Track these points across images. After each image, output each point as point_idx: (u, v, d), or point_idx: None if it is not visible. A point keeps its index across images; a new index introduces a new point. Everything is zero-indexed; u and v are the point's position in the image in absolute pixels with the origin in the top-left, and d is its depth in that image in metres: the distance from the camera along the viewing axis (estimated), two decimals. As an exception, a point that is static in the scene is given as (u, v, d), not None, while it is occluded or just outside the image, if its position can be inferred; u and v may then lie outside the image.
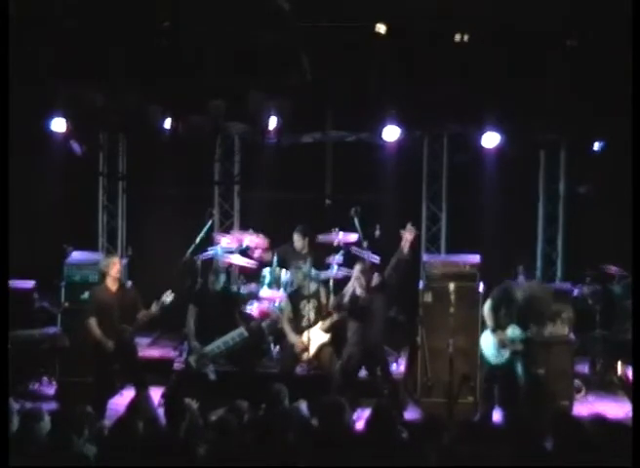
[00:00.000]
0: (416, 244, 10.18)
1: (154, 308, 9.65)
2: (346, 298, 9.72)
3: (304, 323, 10.23)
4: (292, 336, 10.24)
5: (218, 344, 9.86)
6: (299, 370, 10.30)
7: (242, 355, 10.01)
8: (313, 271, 10.79)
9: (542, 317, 9.29)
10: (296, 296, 10.48)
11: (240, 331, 9.90)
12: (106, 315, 9.56)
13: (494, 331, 9.29)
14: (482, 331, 9.69)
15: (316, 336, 10.14)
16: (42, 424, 6.36)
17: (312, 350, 10.12)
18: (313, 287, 10.40)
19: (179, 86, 10.84)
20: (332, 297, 10.29)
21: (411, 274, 11.36)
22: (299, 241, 11.50)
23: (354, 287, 9.70)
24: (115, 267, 9.68)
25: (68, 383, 10.56)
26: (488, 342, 9.36)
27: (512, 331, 9.23)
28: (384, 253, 11.18)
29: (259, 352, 10.82)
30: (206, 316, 10.00)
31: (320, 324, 10.16)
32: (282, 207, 12.55)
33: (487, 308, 9.45)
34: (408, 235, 9.60)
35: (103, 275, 9.73)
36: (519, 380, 9.27)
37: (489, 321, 9.38)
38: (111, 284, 9.68)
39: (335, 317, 9.99)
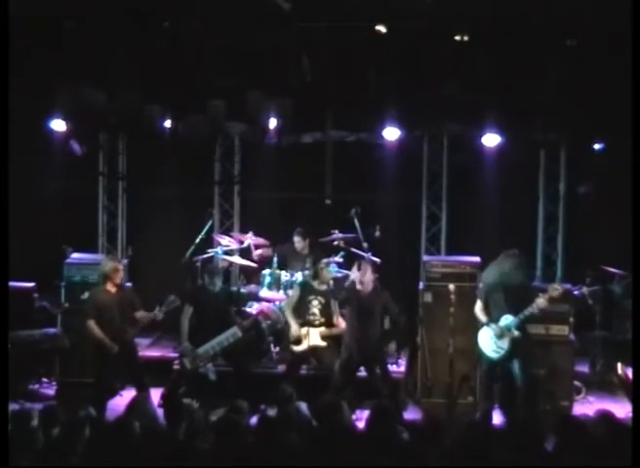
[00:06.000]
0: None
1: (159, 315, 9.65)
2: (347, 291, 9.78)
3: (307, 317, 10.21)
4: (292, 323, 10.14)
5: (212, 345, 9.83)
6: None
7: (239, 355, 10.01)
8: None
9: (527, 298, 9.30)
10: (306, 288, 10.36)
11: (234, 331, 9.87)
12: (105, 316, 9.54)
13: (488, 324, 9.33)
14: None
15: (314, 337, 10.10)
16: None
17: (305, 346, 10.05)
18: (323, 286, 10.36)
19: (179, 86, 10.84)
20: (336, 304, 10.20)
21: (411, 274, 11.40)
22: (299, 242, 11.51)
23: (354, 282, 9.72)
24: (118, 274, 9.66)
25: (68, 383, 10.55)
26: (485, 338, 9.38)
27: (506, 319, 9.26)
28: (384, 253, 11.21)
29: (258, 352, 10.81)
30: (202, 316, 9.98)
31: (323, 329, 10.13)
32: (282, 207, 12.56)
33: (477, 308, 9.50)
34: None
35: (105, 277, 9.69)
36: (517, 381, 9.27)
37: (482, 317, 9.41)
38: (111, 286, 9.68)
39: (338, 329, 10.00)
